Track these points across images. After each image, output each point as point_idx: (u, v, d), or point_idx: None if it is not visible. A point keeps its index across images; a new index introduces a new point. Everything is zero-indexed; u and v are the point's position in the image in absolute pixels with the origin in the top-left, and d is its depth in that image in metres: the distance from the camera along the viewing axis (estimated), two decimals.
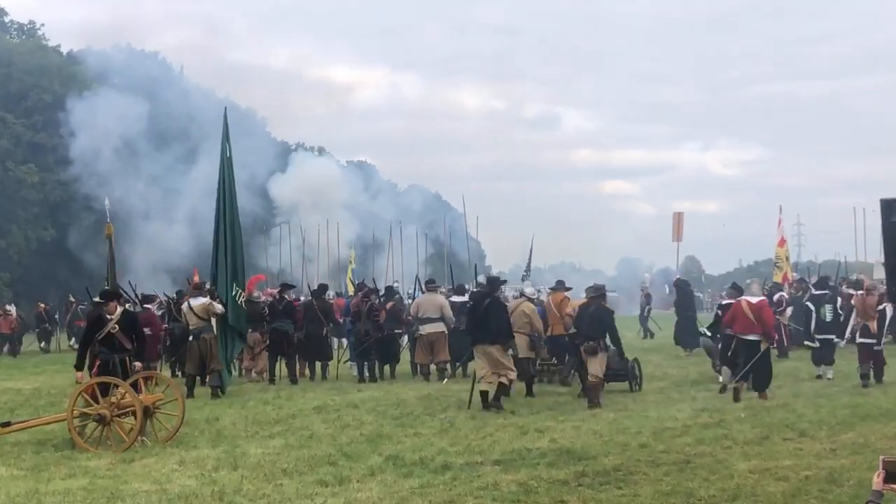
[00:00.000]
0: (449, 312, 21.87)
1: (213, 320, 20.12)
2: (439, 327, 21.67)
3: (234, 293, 20.01)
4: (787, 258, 32.14)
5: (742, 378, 17.21)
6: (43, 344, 37.58)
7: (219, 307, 19.88)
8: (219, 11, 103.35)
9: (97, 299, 15.67)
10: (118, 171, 52.30)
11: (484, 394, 16.50)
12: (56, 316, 39.83)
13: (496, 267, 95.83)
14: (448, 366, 21.96)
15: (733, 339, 17.94)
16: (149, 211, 52.03)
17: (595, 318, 17.17)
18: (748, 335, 17.48)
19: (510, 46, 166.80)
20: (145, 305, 23.12)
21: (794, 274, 33.54)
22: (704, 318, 40.60)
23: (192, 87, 70.55)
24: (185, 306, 20.42)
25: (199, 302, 20.02)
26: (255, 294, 23.49)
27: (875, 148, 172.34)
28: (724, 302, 20.52)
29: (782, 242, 31.95)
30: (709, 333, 21.05)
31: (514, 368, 16.85)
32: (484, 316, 16.81)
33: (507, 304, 18.72)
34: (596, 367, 16.84)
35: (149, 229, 50.81)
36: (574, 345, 18.12)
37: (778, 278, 29.92)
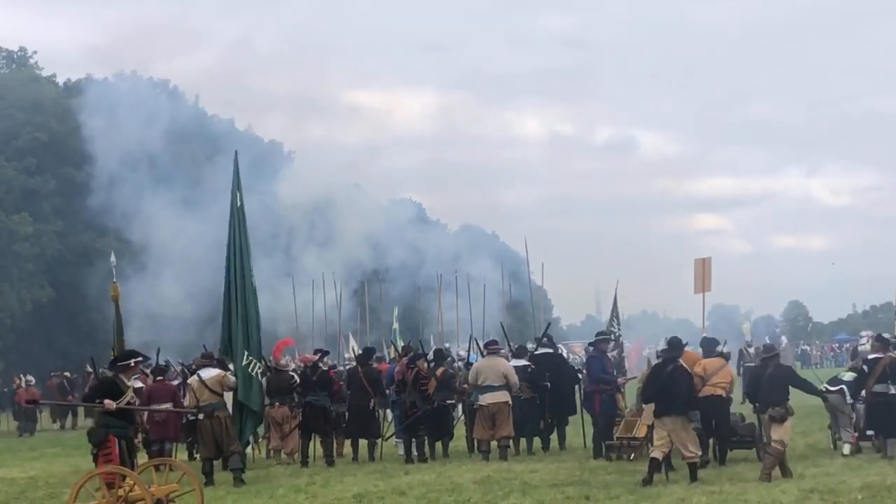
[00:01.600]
0: (515, 379, 21.89)
1: (227, 395, 20.32)
2: (503, 397, 21.65)
3: (244, 362, 20.14)
4: None
5: None
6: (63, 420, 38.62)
7: (233, 379, 20.07)
8: (238, 31, 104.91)
9: (119, 362, 15.94)
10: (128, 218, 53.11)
11: (654, 462, 17.11)
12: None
13: (565, 319, 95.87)
14: (511, 442, 21.94)
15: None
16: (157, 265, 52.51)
17: (776, 379, 17.73)
18: None
19: (578, 61, 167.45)
20: (158, 377, 23.34)
21: None
22: (811, 375, 40.34)
23: (209, 119, 71.72)
24: (193, 380, 20.56)
25: (210, 374, 20.21)
26: (283, 362, 23.65)
27: None
28: (870, 356, 20.55)
29: None
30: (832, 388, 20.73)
31: (697, 444, 17.47)
32: (668, 384, 17.44)
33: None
34: (784, 433, 17.27)
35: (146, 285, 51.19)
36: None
37: None
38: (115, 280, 21.75)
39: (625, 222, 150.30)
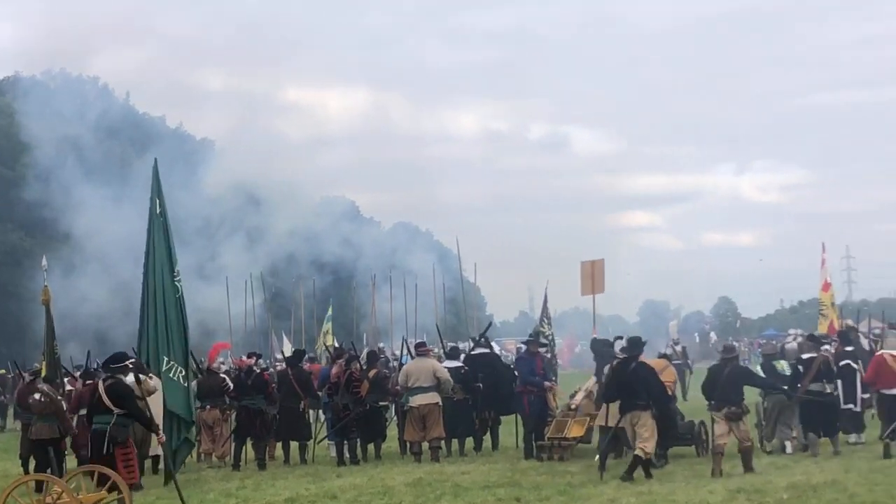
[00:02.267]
0: (446, 377, 21.88)
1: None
2: (433, 398, 21.66)
3: (165, 368, 19.88)
4: (833, 304, 32.19)
5: (891, 436, 18.85)
6: None
7: (152, 384, 19.88)
8: (171, 29, 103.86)
9: (113, 364, 16.27)
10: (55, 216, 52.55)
11: (636, 459, 17.60)
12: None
13: (498, 316, 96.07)
14: (443, 444, 21.96)
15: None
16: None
17: (734, 378, 18.28)
18: (893, 389, 19.55)
19: (511, 58, 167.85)
20: (87, 381, 23.01)
21: (845, 321, 33.54)
22: None
23: (139, 117, 71.09)
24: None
25: (128, 381, 20.02)
26: (216, 365, 23.50)
27: None
28: (804, 356, 20.86)
29: (827, 287, 32.02)
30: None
31: (652, 443, 17.72)
32: (631, 380, 17.79)
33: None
34: (744, 431, 17.98)
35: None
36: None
37: (823, 328, 29.90)
38: (45, 283, 21.42)
39: (558, 219, 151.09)
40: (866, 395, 21.15)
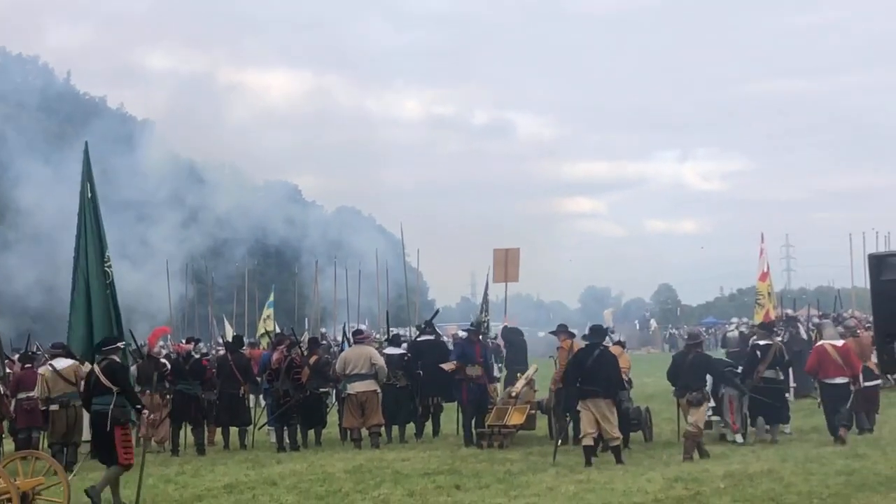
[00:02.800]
0: (381, 364, 21.89)
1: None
2: (371, 385, 21.68)
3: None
4: (770, 293, 32.43)
5: (845, 424, 19.53)
6: None
7: (84, 370, 19.79)
8: (114, 7, 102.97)
9: (105, 346, 16.41)
10: None
11: (588, 448, 17.78)
12: None
13: (440, 301, 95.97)
14: (382, 430, 21.98)
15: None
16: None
17: (696, 366, 18.91)
18: (836, 379, 19.96)
19: (455, 42, 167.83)
20: (26, 365, 22.74)
21: (785, 310, 33.86)
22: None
23: (79, 97, 70.36)
24: (45, 370, 20.22)
25: (64, 364, 19.98)
26: (156, 349, 23.37)
27: (876, 154, 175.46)
28: (761, 342, 20.98)
29: (764, 276, 32.27)
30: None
31: (617, 428, 18.07)
32: (594, 368, 18.01)
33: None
34: (699, 416, 18.44)
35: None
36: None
37: (759, 318, 30.13)
38: None
39: (501, 205, 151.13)
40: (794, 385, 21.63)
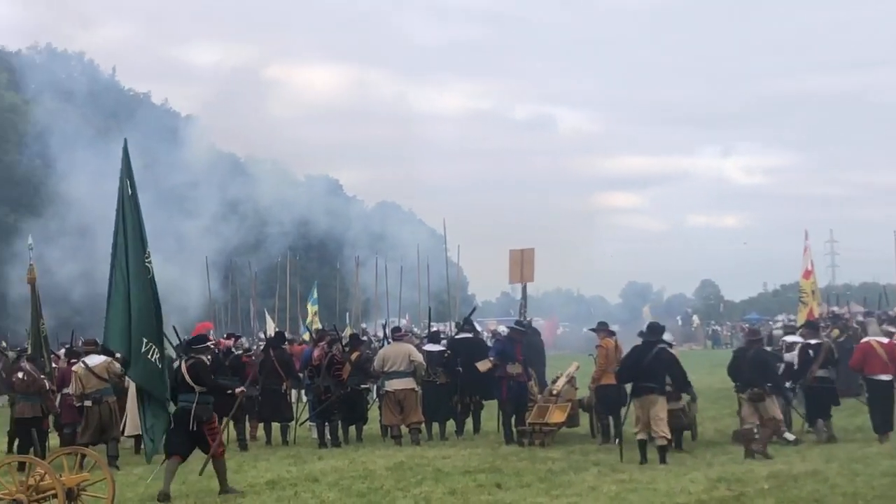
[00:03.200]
0: (420, 361, 21.89)
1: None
2: (409, 383, 21.73)
3: (144, 349, 19.79)
4: (814, 291, 32.09)
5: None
6: None
7: (118, 366, 19.94)
8: (157, 3, 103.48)
9: (195, 345, 17.20)
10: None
11: (643, 443, 17.88)
12: None
13: (480, 296, 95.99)
14: (422, 427, 21.99)
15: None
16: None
17: (757, 362, 19.00)
18: (881, 375, 19.83)
19: (497, 37, 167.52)
20: (72, 360, 22.83)
21: (831, 307, 33.51)
22: (724, 355, 40.70)
23: (124, 92, 70.79)
24: (79, 367, 20.33)
25: (96, 361, 20.11)
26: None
27: None
28: (812, 342, 20.96)
29: (808, 274, 31.94)
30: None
31: (668, 428, 17.97)
32: (652, 366, 18.03)
33: None
34: (774, 411, 18.67)
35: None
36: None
37: (802, 316, 29.89)
38: (32, 262, 21.31)
39: (541, 199, 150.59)
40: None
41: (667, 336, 21.17)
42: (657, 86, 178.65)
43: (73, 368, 20.62)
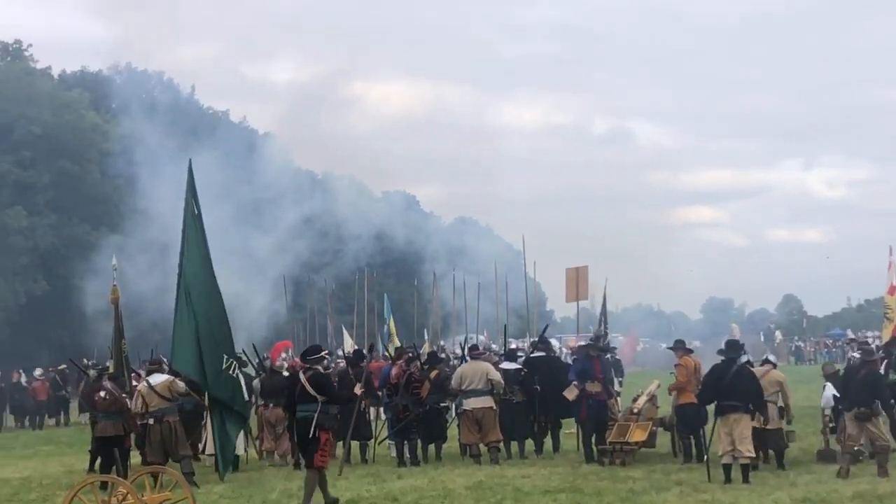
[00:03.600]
0: (498, 379, 21.85)
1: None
2: (487, 402, 21.66)
3: (225, 365, 20.04)
4: None
5: None
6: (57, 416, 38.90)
7: (182, 385, 20.10)
8: (236, 20, 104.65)
9: (310, 356, 17.48)
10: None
11: (727, 467, 17.62)
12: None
13: (559, 312, 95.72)
14: (501, 446, 21.95)
15: None
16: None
17: (868, 383, 18.52)
18: None
19: (574, 50, 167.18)
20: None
21: None
22: (808, 372, 40.12)
23: (202, 111, 71.61)
24: (143, 386, 20.52)
25: (159, 380, 20.27)
26: (278, 364, 23.63)
27: None
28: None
29: (893, 290, 31.43)
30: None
31: (752, 447, 17.83)
32: (733, 384, 17.89)
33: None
34: (882, 429, 18.52)
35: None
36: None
37: (887, 333, 29.41)
38: (115, 282, 21.62)
39: (620, 214, 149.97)
40: None
41: (748, 353, 21.02)
42: (737, 98, 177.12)
43: (138, 387, 20.79)
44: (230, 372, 20.24)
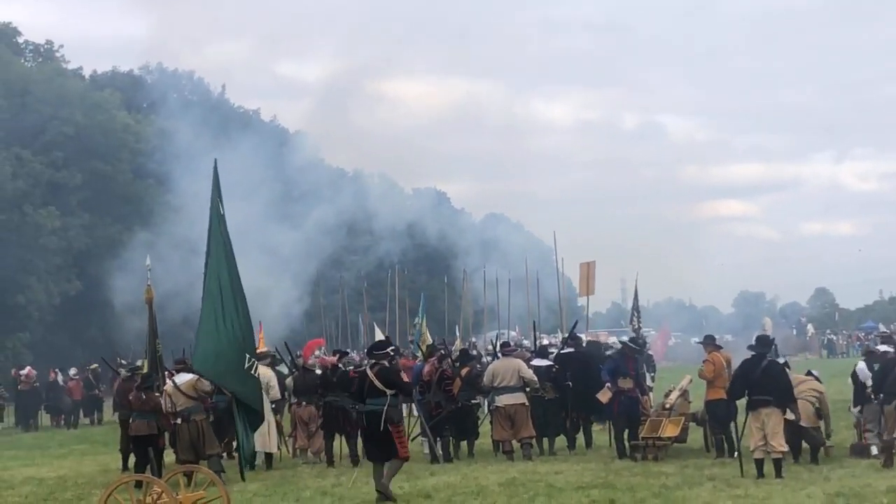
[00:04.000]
0: (531, 376, 21.86)
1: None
2: (519, 398, 21.67)
3: (248, 365, 20.05)
4: None
5: None
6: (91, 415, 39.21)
7: (207, 384, 20.15)
8: (266, 18, 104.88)
9: (377, 350, 18.05)
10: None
11: (760, 462, 17.55)
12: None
13: (590, 307, 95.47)
14: (533, 442, 21.95)
15: None
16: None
17: None
18: None
19: (603, 47, 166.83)
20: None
21: None
22: (840, 365, 39.89)
23: (233, 110, 71.83)
24: (168, 385, 20.57)
25: (184, 379, 20.31)
26: (311, 362, 23.67)
27: None
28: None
29: None
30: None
31: (784, 442, 17.74)
32: (763, 379, 17.85)
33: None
34: None
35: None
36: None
37: None
38: (149, 282, 21.68)
39: (651, 209, 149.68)
40: None
41: (782, 354, 20.92)
42: (767, 92, 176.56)
43: (165, 387, 20.83)
44: (251, 372, 20.25)
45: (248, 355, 20.24)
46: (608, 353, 26.29)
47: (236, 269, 20.21)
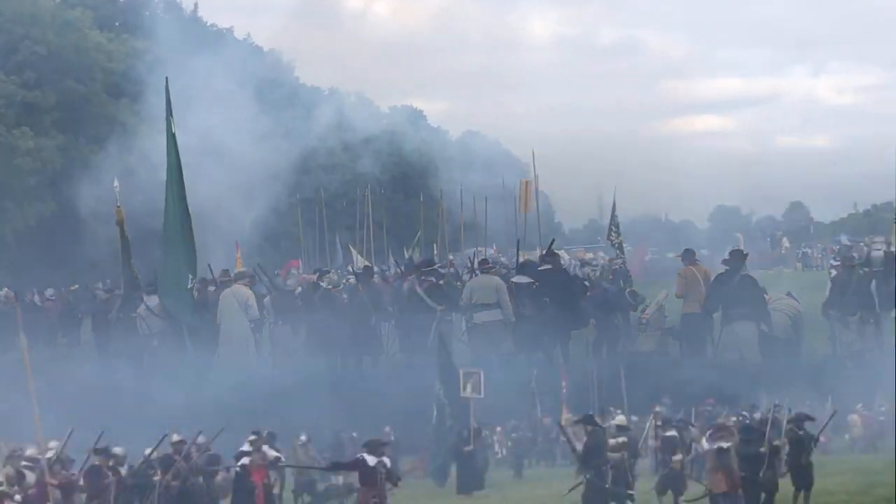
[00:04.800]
0: (506, 300, 21.88)
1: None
2: (496, 315, 21.74)
3: (190, 285, 20.00)
4: None
5: None
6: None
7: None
8: None
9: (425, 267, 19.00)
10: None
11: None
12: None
13: (567, 224, 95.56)
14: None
15: None
16: None
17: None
18: None
19: None
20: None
21: None
22: (816, 277, 40.06)
23: (207, 29, 71.02)
24: (141, 308, 20.49)
25: (156, 302, 20.30)
26: (289, 282, 23.69)
27: None
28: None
29: None
30: None
31: (759, 353, 18.42)
32: (737, 292, 18.45)
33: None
34: None
35: None
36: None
37: None
38: (119, 204, 21.57)
39: (627, 125, 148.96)
40: None
41: (756, 262, 20.97)
42: (745, 6, 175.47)
43: (138, 310, 20.72)
44: (190, 290, 20.18)
45: (191, 276, 20.16)
46: (583, 268, 26.37)
47: (183, 190, 20.09)
